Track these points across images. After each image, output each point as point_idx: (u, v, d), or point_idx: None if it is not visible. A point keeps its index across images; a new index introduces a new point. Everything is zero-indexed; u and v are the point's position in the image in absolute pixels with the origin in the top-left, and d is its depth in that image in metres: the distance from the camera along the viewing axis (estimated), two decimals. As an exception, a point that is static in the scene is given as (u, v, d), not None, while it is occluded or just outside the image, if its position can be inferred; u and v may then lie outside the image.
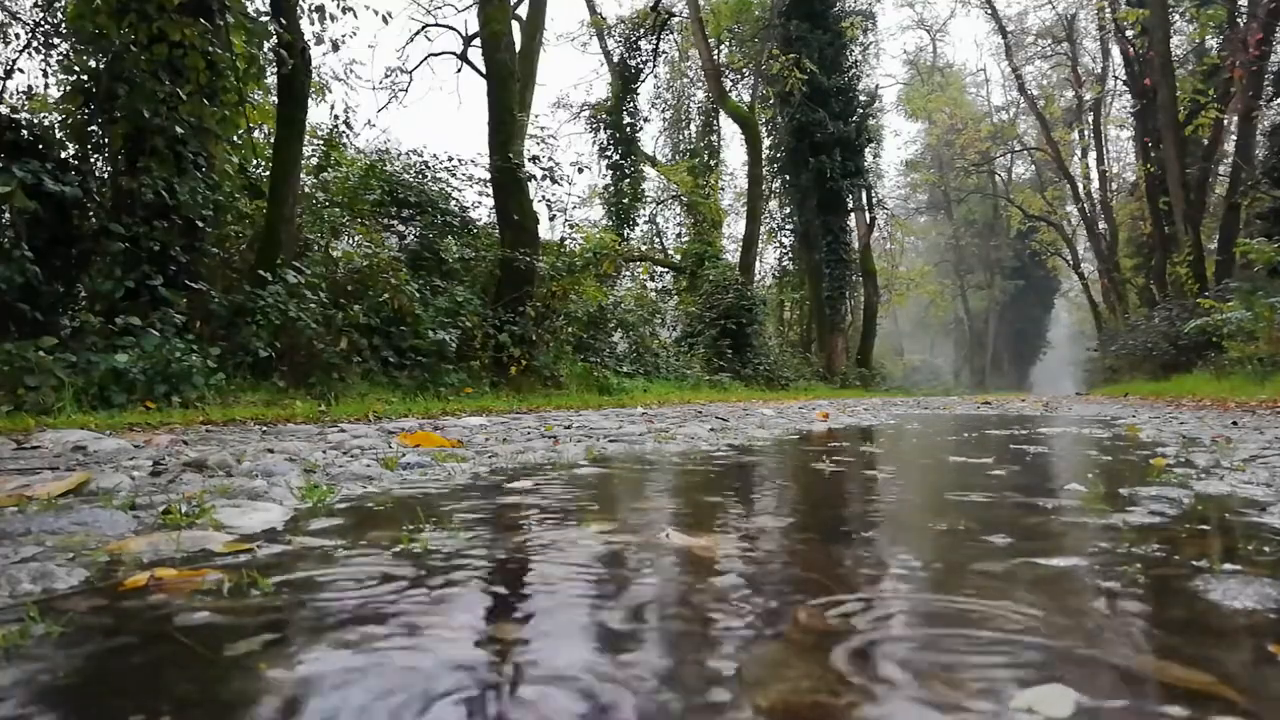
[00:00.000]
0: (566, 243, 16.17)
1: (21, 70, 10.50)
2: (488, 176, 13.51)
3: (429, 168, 14.65)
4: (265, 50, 9.25)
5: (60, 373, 5.97)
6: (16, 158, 6.91)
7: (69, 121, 7.87)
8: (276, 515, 1.83)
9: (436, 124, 56.80)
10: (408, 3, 48.50)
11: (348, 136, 14.10)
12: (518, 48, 14.25)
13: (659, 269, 27.64)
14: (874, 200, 33.58)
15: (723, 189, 32.47)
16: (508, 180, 12.64)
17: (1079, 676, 0.86)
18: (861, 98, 29.76)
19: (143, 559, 1.41)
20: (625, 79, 28.29)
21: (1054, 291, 57.88)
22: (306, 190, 11.76)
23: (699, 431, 5.13)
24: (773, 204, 32.08)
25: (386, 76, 21.27)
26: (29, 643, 0.97)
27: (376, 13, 11.28)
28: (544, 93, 74.54)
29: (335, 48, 10.37)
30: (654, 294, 24.18)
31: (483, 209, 15.28)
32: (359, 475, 2.60)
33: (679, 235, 30.39)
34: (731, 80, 29.54)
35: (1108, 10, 29.59)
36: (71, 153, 7.87)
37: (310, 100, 10.53)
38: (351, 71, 22.09)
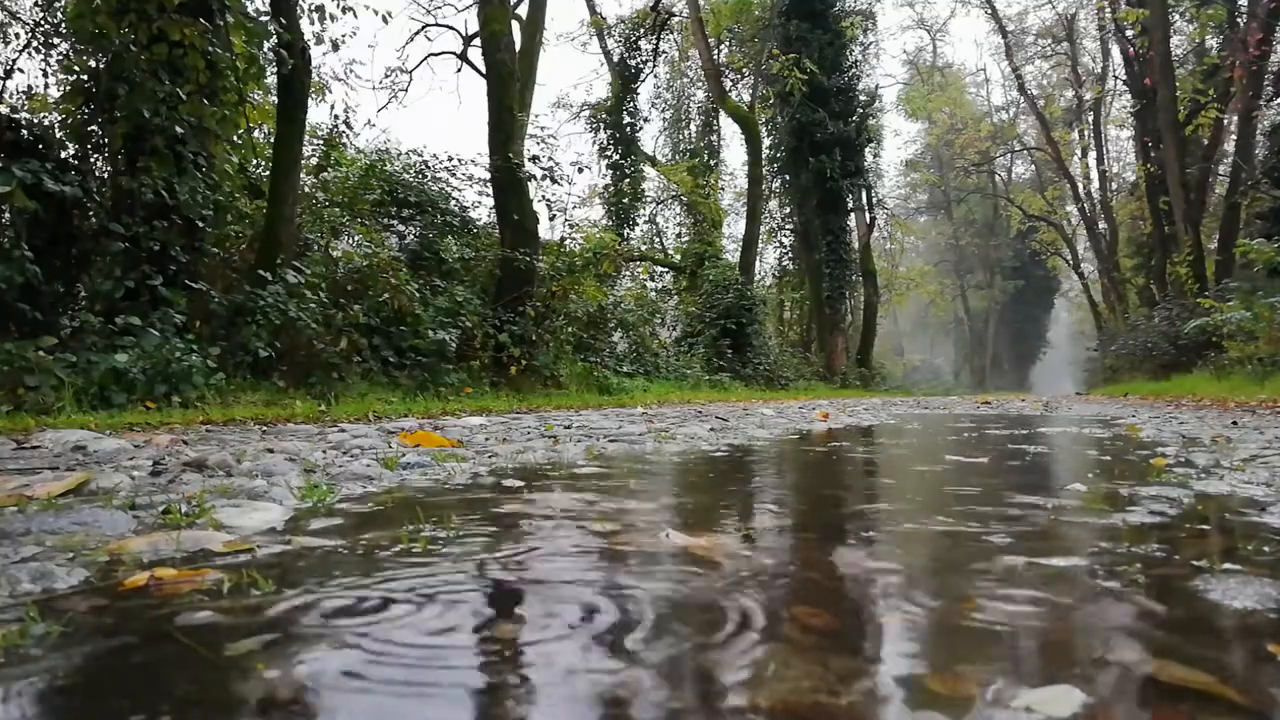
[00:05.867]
0: (566, 243, 16.16)
1: (21, 70, 10.48)
2: (488, 176, 13.51)
3: (429, 168, 14.65)
4: (265, 50, 9.24)
5: (60, 373, 5.97)
6: (16, 158, 6.90)
7: (69, 121, 7.86)
8: (276, 515, 1.83)
9: (436, 124, 56.80)
10: (408, 3, 48.55)
11: (348, 136, 14.09)
12: (518, 47, 14.24)
13: (659, 269, 27.63)
14: (874, 200, 33.58)
15: (723, 189, 32.47)
16: (508, 180, 12.64)
17: (1078, 676, 0.86)
18: (861, 98, 29.74)
19: (143, 559, 1.41)
20: (625, 79, 28.29)
21: (1054, 291, 57.87)
22: (306, 190, 11.75)
23: (699, 431, 5.13)
24: (773, 204, 32.07)
25: (386, 76, 21.24)
26: (29, 642, 0.97)
27: (376, 13, 11.28)
28: (544, 93, 74.39)
29: (335, 48, 10.38)
30: (654, 294, 24.16)
31: (483, 209, 15.30)
32: (359, 475, 2.60)
33: (679, 235, 30.38)
34: (731, 80, 29.53)
35: (1108, 10, 29.62)
36: (71, 153, 7.86)
37: (310, 100, 10.53)
38: (351, 71, 22.07)
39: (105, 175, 8.05)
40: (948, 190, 50.89)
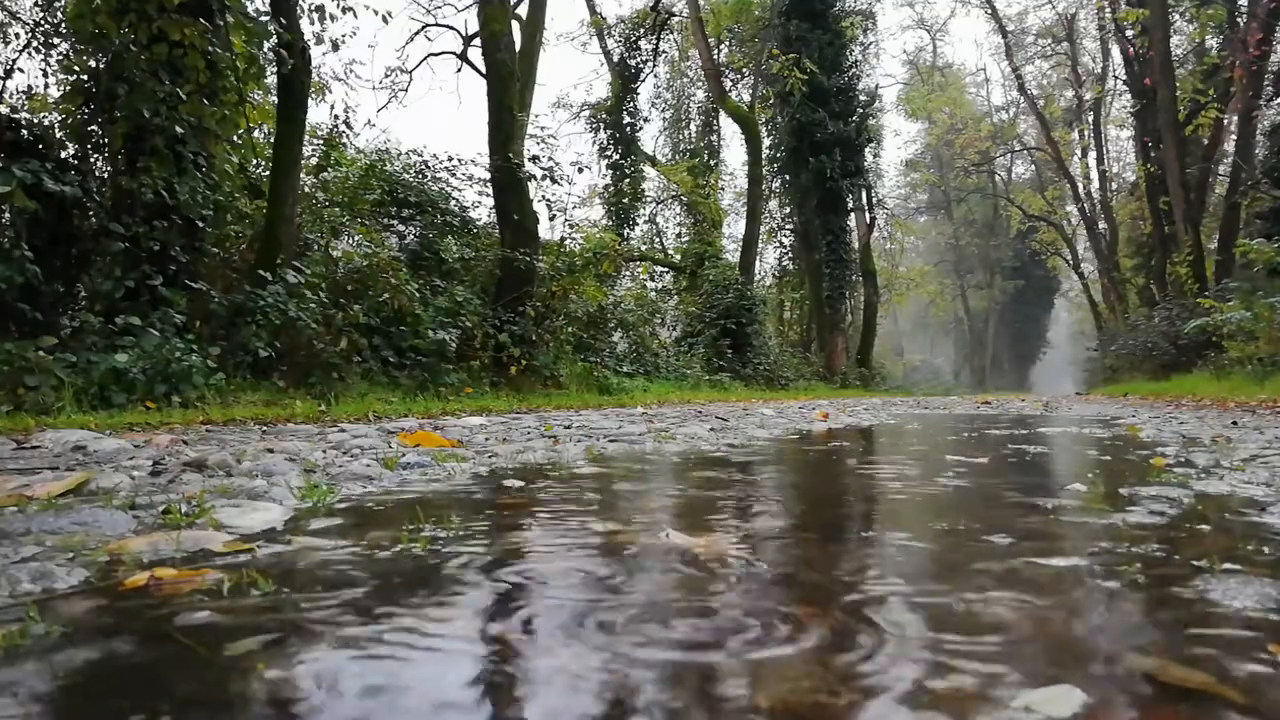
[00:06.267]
0: (566, 243, 16.15)
1: (21, 70, 10.48)
2: (488, 176, 13.51)
3: (429, 168, 14.66)
4: (265, 50, 9.24)
5: (60, 373, 5.97)
6: (16, 158, 6.90)
7: (69, 121, 7.85)
8: (276, 515, 1.83)
9: (436, 124, 56.87)
10: (408, 2, 48.56)
11: (348, 136, 14.09)
12: (518, 47, 14.24)
13: (659, 269, 27.63)
14: (874, 200, 33.58)
15: (723, 189, 32.46)
16: (508, 180, 12.64)
17: (1078, 676, 0.86)
18: (861, 98, 29.74)
19: (143, 559, 1.41)
20: (625, 79, 28.29)
21: (1054, 291, 57.85)
22: (306, 190, 11.75)
23: (699, 431, 5.13)
24: (773, 204, 32.07)
25: (386, 76, 21.23)
26: (29, 642, 0.97)
27: (376, 13, 11.28)
28: (544, 93, 74.29)
29: (335, 48, 10.38)
30: (654, 294, 24.16)
31: (483, 209, 15.31)
32: (359, 475, 2.60)
33: (679, 235, 30.37)
34: (731, 80, 29.53)
35: (1108, 10, 29.61)
36: (71, 153, 7.85)
37: (310, 100, 10.53)
38: (351, 71, 22.03)
39: (105, 175, 8.05)
40: (948, 190, 50.88)
